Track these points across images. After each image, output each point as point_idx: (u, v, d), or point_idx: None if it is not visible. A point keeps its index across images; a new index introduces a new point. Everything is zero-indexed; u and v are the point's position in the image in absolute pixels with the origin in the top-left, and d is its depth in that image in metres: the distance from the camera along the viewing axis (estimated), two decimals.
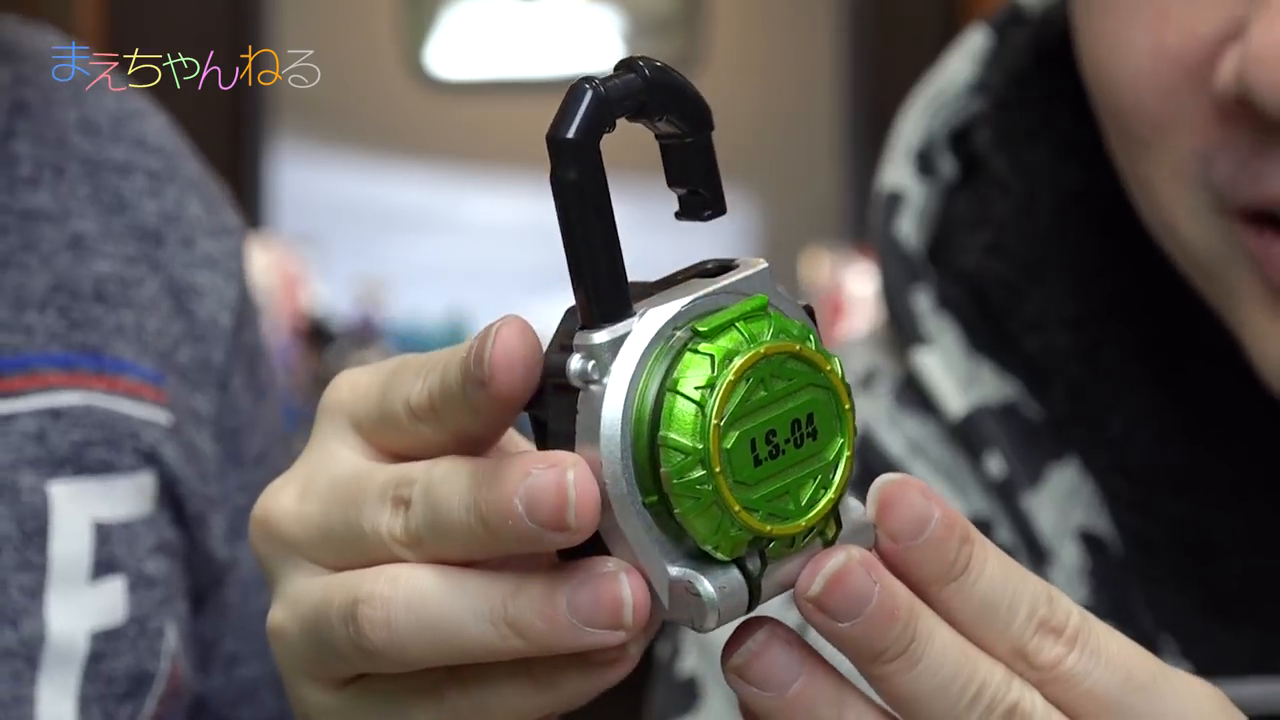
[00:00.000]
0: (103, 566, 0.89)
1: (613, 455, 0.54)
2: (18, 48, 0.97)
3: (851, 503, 0.58)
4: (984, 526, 0.86)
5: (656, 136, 0.58)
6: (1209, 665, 0.81)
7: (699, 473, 0.54)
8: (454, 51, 4.83)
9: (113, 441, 0.91)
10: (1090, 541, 0.86)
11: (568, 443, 0.55)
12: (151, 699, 0.90)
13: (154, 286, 0.96)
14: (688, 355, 0.55)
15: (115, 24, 4.17)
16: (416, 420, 0.58)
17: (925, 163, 0.93)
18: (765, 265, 0.57)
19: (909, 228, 0.92)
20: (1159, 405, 0.87)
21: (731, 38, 4.79)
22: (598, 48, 4.77)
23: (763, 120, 4.75)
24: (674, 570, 0.55)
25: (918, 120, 0.94)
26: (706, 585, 0.55)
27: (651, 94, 0.56)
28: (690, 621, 0.55)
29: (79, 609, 0.88)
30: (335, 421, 0.61)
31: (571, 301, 0.56)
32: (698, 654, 0.90)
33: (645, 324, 0.55)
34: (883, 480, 0.57)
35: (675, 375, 0.55)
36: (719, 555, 0.55)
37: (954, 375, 0.88)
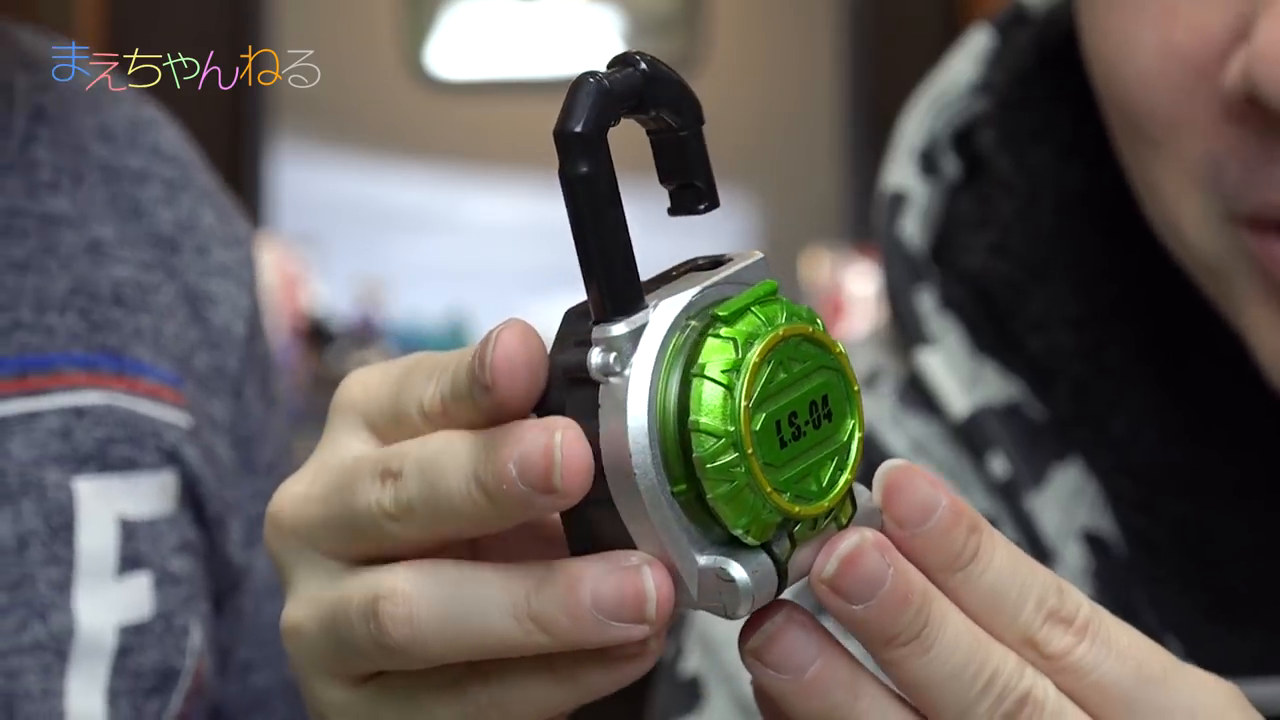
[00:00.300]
0: (129, 562, 0.90)
1: (641, 446, 0.54)
2: (37, 55, 0.97)
3: (859, 488, 0.58)
4: None
5: (650, 131, 0.58)
6: (1213, 666, 0.81)
7: (732, 455, 0.54)
8: (454, 51, 4.83)
9: (135, 440, 0.92)
10: (1094, 542, 0.86)
11: (591, 438, 0.55)
12: (178, 695, 0.91)
13: (170, 293, 0.97)
14: (710, 340, 0.55)
15: (115, 24, 4.17)
16: (430, 422, 0.58)
17: (929, 163, 0.93)
18: (761, 256, 0.57)
19: (912, 228, 0.92)
20: (1163, 405, 0.87)
21: (731, 38, 4.79)
22: (598, 48, 4.77)
23: (763, 120, 4.75)
24: (703, 559, 0.55)
25: (921, 120, 0.94)
26: (740, 570, 0.55)
27: (649, 88, 0.56)
28: (722, 609, 0.55)
29: (107, 603, 0.89)
30: (348, 419, 0.61)
31: (571, 302, 0.56)
32: (700, 654, 0.90)
33: (661, 314, 0.55)
34: (888, 465, 0.57)
35: (701, 360, 0.54)
36: (749, 539, 0.55)
37: (957, 375, 0.88)
